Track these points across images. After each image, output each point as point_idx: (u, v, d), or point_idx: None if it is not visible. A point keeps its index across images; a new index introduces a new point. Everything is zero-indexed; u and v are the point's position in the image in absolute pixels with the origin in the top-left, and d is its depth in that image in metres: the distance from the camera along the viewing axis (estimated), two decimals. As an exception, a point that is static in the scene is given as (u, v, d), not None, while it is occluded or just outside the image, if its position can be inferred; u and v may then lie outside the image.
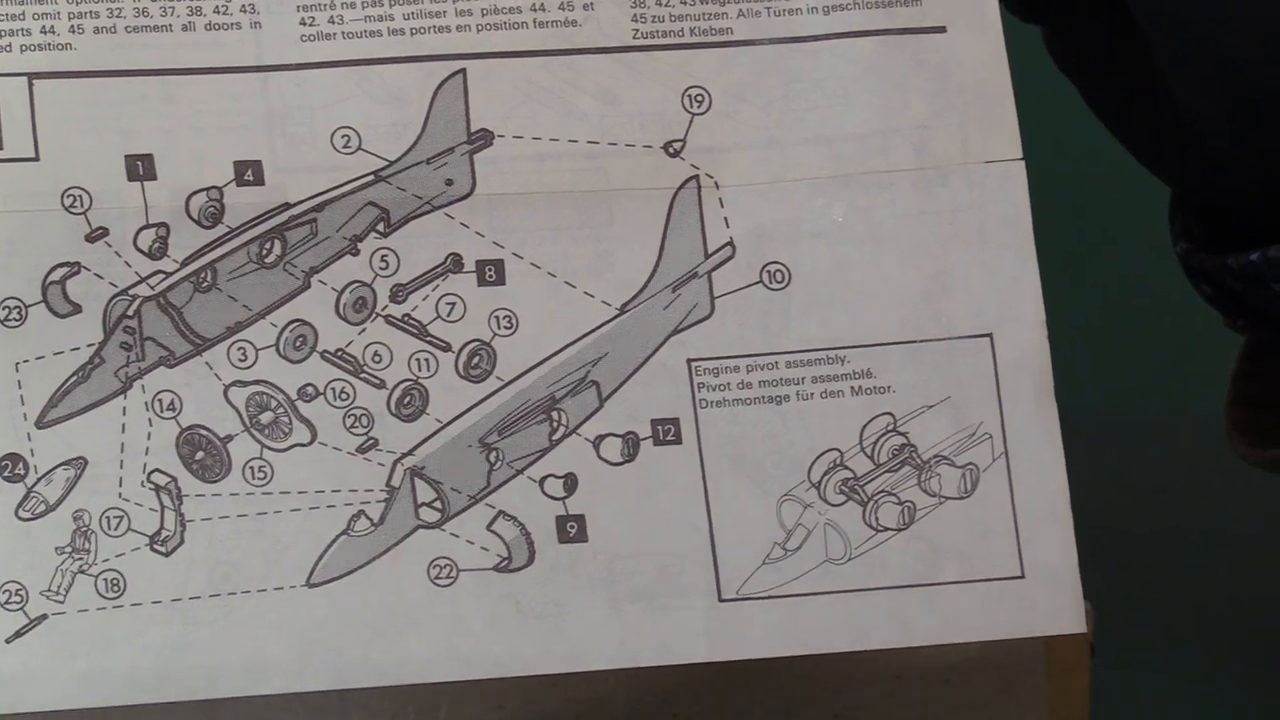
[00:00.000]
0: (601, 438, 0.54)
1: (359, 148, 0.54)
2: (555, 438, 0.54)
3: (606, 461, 0.54)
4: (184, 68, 0.53)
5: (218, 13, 0.54)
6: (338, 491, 0.53)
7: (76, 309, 0.53)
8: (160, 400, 0.53)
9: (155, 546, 0.53)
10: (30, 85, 0.53)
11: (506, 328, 0.54)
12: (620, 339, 0.54)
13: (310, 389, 0.53)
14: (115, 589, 0.53)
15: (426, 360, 0.54)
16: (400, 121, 0.54)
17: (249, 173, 0.53)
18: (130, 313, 0.53)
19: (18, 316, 0.53)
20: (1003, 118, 0.54)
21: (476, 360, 0.54)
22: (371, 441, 0.54)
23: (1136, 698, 1.14)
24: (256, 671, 0.53)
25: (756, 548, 0.54)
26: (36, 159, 0.53)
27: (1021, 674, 0.69)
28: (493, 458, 0.54)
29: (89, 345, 0.53)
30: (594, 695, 0.64)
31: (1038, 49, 0.59)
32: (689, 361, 0.54)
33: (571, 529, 0.54)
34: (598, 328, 0.54)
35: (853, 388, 0.54)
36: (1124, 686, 1.12)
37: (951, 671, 0.68)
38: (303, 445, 0.54)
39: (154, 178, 0.53)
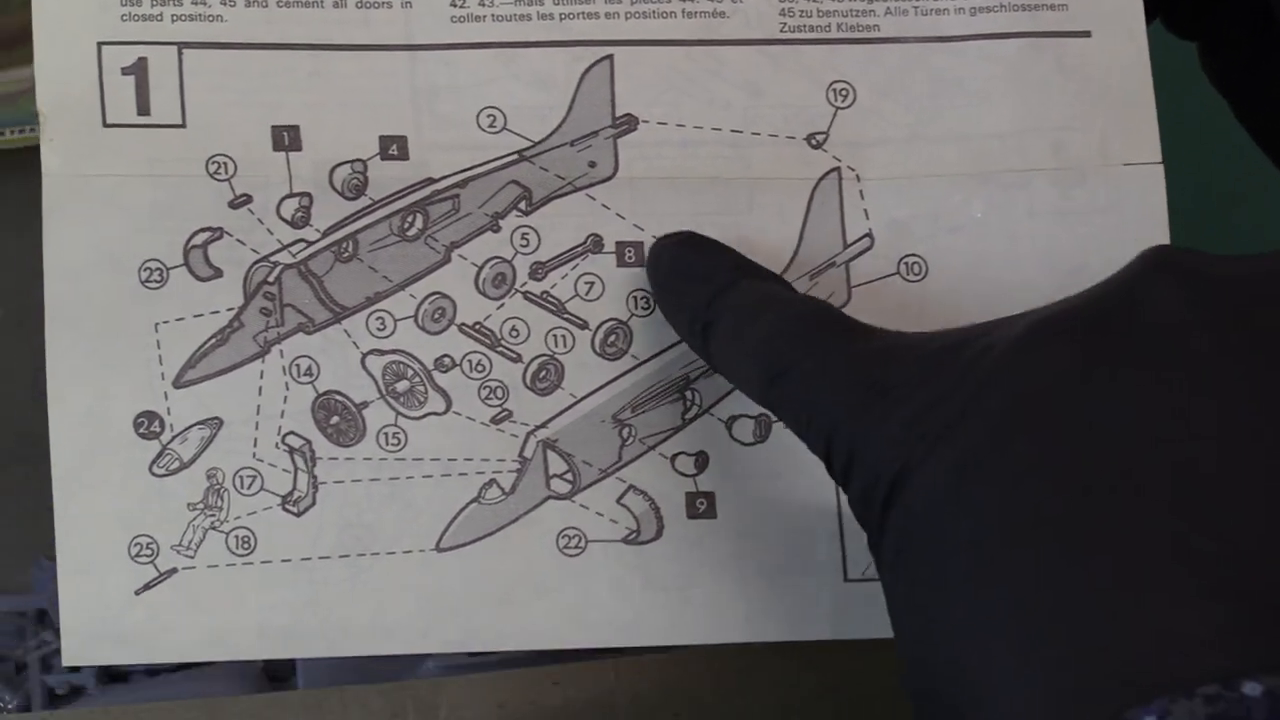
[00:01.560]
0: (734, 418, 0.55)
1: (504, 127, 0.55)
2: (688, 417, 0.55)
3: (738, 441, 0.55)
4: (333, 43, 0.55)
5: None
6: (470, 460, 0.54)
7: (218, 273, 0.54)
8: (298, 365, 0.54)
9: (287, 506, 0.54)
10: (180, 54, 0.54)
11: (644, 308, 0.55)
12: None
13: (447, 360, 0.54)
14: (245, 546, 0.54)
15: (563, 336, 0.55)
16: (546, 104, 0.55)
17: (394, 147, 0.55)
18: (271, 279, 0.54)
19: (159, 278, 0.54)
20: (1143, 122, 0.55)
21: (613, 339, 0.55)
22: (506, 413, 0.55)
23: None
24: (382, 632, 0.54)
25: None
26: (183, 126, 0.54)
27: None
28: (625, 433, 0.55)
29: (229, 309, 0.54)
30: (594, 694, 0.65)
31: (1182, 57, 0.60)
32: None
33: (701, 505, 0.54)
34: None
35: None
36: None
37: None
38: (437, 414, 0.54)
39: (299, 148, 0.54)
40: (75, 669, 0.74)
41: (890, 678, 0.61)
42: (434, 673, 0.69)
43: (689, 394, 0.55)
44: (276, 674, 0.74)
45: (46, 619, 0.74)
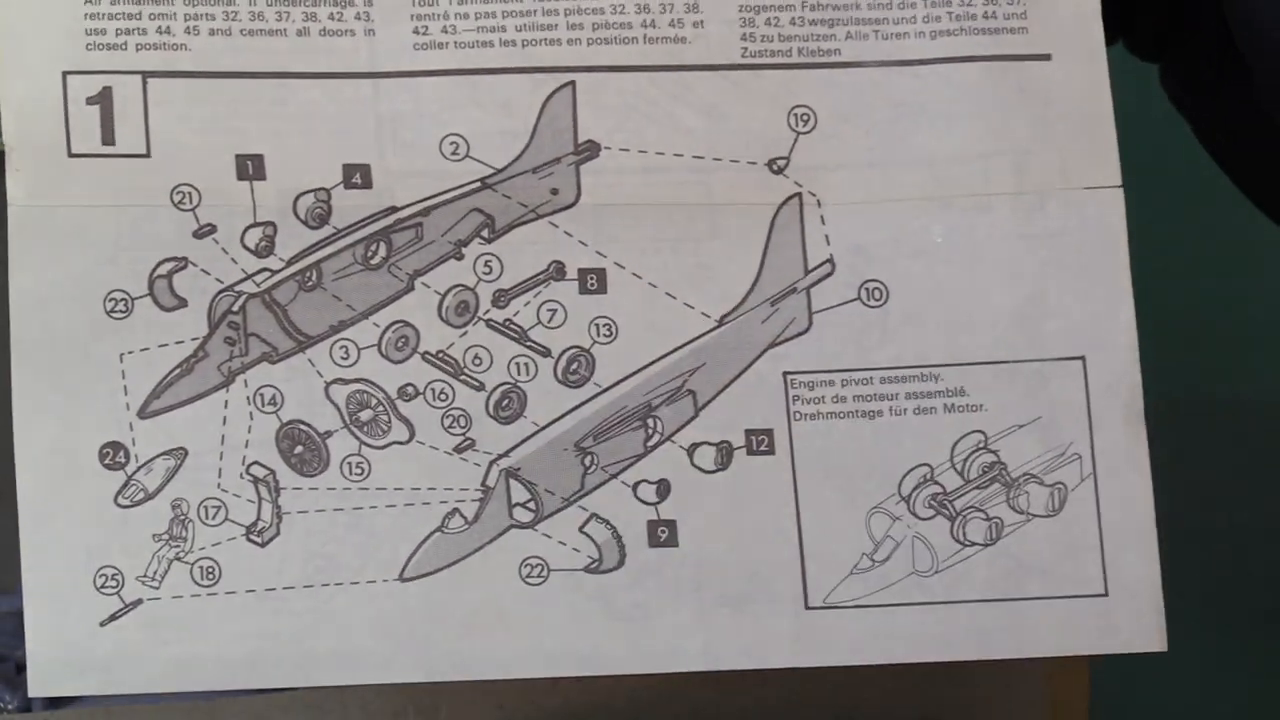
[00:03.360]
0: (696, 446, 0.55)
1: (467, 155, 0.55)
2: (650, 444, 0.55)
3: (700, 469, 0.55)
4: (297, 71, 0.55)
5: (332, 19, 0.55)
6: (433, 489, 0.54)
7: (182, 303, 0.54)
8: (262, 395, 0.54)
9: (251, 537, 0.54)
10: (144, 83, 0.54)
11: (606, 335, 0.54)
12: (718, 350, 0.54)
13: (410, 389, 0.54)
14: (210, 577, 0.54)
15: (526, 364, 0.55)
16: (509, 130, 0.55)
17: (357, 176, 0.54)
18: (235, 308, 0.54)
19: (124, 309, 0.54)
20: (1103, 145, 0.55)
21: (575, 366, 0.54)
22: (469, 442, 0.54)
23: (1137, 698, 1.14)
24: (346, 662, 0.54)
25: (845, 558, 0.54)
26: (148, 155, 0.54)
27: (1021, 674, 0.70)
28: (587, 461, 0.54)
29: (193, 339, 0.54)
30: (594, 696, 0.65)
31: (1140, 78, 0.60)
32: (785, 374, 0.55)
33: (663, 534, 0.54)
34: (696, 338, 0.55)
35: (945, 405, 0.55)
36: (1124, 686, 1.12)
37: (952, 671, 0.68)
38: (401, 443, 0.54)
39: (263, 177, 0.54)
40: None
41: (890, 679, 0.61)
42: (434, 673, 0.69)
43: (651, 421, 0.55)
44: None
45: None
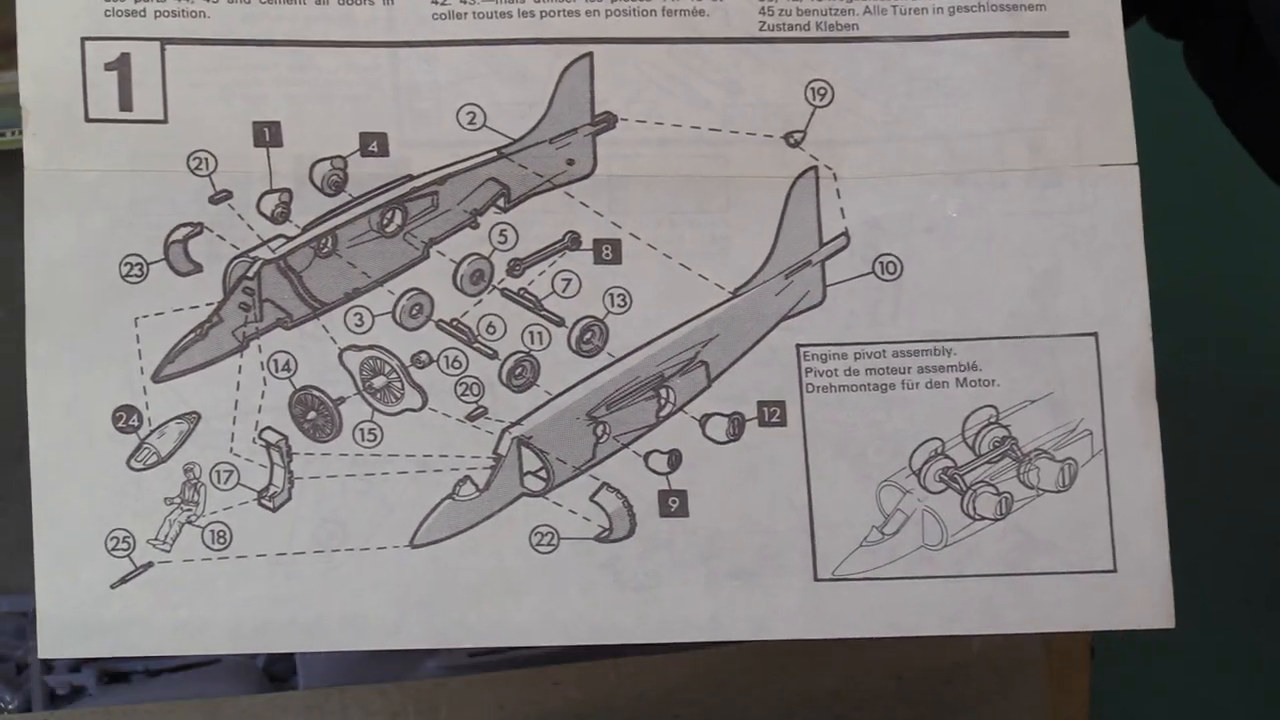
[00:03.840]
0: (708, 417, 0.55)
1: (484, 125, 0.55)
2: (662, 415, 0.55)
3: (712, 440, 0.55)
4: (315, 39, 0.55)
5: None
6: (445, 456, 0.54)
7: (197, 268, 0.54)
8: (276, 360, 0.54)
9: (263, 502, 0.54)
10: (162, 50, 0.54)
11: (620, 306, 0.55)
12: (731, 322, 0.55)
13: (424, 356, 0.54)
14: (221, 541, 0.54)
15: (540, 334, 0.55)
16: (525, 101, 0.55)
17: (374, 144, 0.55)
18: (250, 274, 0.54)
19: (139, 273, 0.54)
20: (1119, 123, 0.55)
21: (589, 336, 0.55)
22: (481, 410, 0.55)
23: (1137, 698, 1.14)
24: (355, 627, 0.54)
25: (854, 531, 0.55)
26: (165, 121, 0.54)
27: (1021, 674, 0.70)
28: (599, 431, 0.55)
29: (208, 304, 0.54)
30: (594, 695, 0.65)
31: (1160, 57, 0.60)
32: (798, 347, 0.55)
33: (673, 504, 0.54)
34: (710, 310, 0.55)
35: (957, 379, 0.55)
36: (1124, 686, 1.12)
37: (951, 671, 0.68)
38: (413, 410, 0.55)
39: (280, 144, 0.54)
40: (76, 669, 0.75)
41: (890, 680, 0.61)
42: (434, 673, 0.69)
43: (664, 392, 0.55)
44: (277, 674, 0.74)
45: (48, 619, 0.75)
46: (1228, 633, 1.15)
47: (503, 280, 0.55)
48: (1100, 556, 0.54)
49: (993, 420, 0.55)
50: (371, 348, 0.54)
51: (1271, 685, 1.17)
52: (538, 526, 0.54)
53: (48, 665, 0.75)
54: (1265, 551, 1.15)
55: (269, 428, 0.54)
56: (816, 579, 0.54)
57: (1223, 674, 1.17)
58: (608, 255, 0.55)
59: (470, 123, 0.55)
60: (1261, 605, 1.16)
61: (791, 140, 0.55)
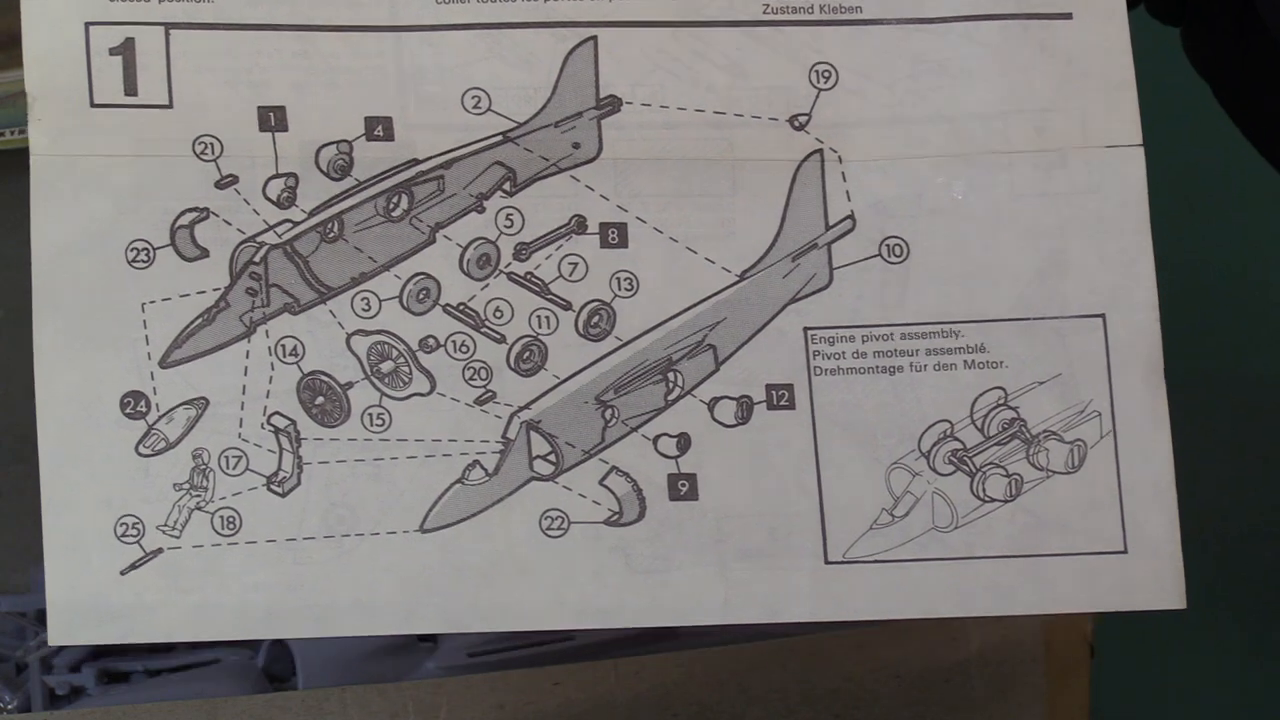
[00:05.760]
0: (716, 400, 0.55)
1: (489, 109, 0.55)
2: (670, 398, 0.55)
3: (720, 423, 0.55)
4: (319, 24, 0.55)
5: None
6: (454, 441, 0.54)
7: (204, 253, 0.54)
8: (283, 346, 0.54)
9: (272, 487, 0.54)
10: (167, 35, 0.54)
11: (627, 289, 0.55)
12: (739, 305, 0.55)
13: (431, 340, 0.55)
14: (230, 526, 0.54)
15: (547, 318, 0.55)
16: (530, 85, 0.55)
17: (379, 128, 0.55)
18: (257, 259, 0.54)
19: (145, 258, 0.54)
20: (1124, 104, 0.55)
21: (596, 320, 0.55)
22: (489, 394, 0.55)
23: (1137, 698, 1.15)
24: (365, 612, 0.54)
25: (864, 513, 0.55)
26: (170, 106, 0.54)
27: (1020, 674, 0.70)
28: (608, 415, 0.55)
29: (215, 289, 0.54)
30: (594, 695, 0.65)
31: (1161, 39, 0.60)
32: (805, 330, 0.55)
33: (683, 487, 0.55)
34: (717, 293, 0.55)
35: (965, 361, 0.55)
36: (1124, 686, 1.13)
37: (951, 671, 0.68)
38: (421, 395, 0.55)
39: (285, 129, 0.54)
40: (75, 669, 0.75)
41: (890, 680, 0.61)
42: (434, 673, 0.70)
43: (672, 376, 0.55)
44: (277, 674, 0.74)
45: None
46: (1228, 633, 1.15)
47: (509, 264, 0.55)
48: (1111, 537, 0.54)
49: (1001, 402, 0.55)
50: (379, 332, 0.54)
51: (1272, 685, 1.17)
52: (547, 510, 0.54)
53: (47, 665, 0.75)
54: (1268, 549, 1.15)
55: (277, 413, 0.54)
56: (827, 561, 0.54)
57: (1222, 674, 1.17)
58: (614, 239, 0.55)
59: (475, 106, 0.55)
60: (1262, 604, 1.16)
61: (796, 123, 0.55)
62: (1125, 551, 0.54)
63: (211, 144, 0.54)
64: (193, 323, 0.54)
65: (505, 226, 0.54)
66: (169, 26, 0.54)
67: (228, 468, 0.54)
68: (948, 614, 0.54)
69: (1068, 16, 0.55)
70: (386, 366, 0.54)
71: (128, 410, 0.53)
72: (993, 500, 0.54)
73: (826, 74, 0.55)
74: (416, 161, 0.54)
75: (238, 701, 0.63)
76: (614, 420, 0.54)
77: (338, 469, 0.54)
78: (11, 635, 0.75)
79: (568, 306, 0.54)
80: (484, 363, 0.54)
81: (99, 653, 0.75)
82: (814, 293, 0.55)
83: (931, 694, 0.68)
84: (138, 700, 0.70)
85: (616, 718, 0.64)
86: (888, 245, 0.55)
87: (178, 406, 0.54)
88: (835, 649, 0.62)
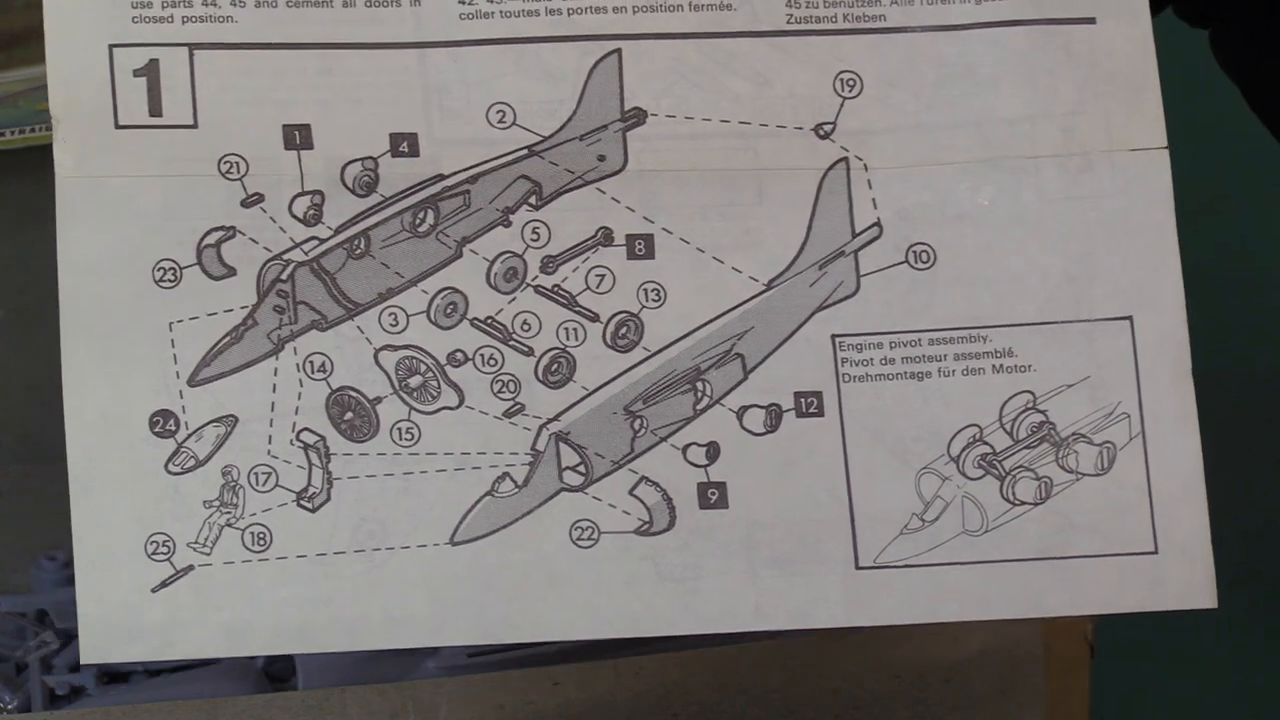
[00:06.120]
0: (745, 409, 0.55)
1: (514, 123, 0.55)
2: (699, 407, 0.55)
3: (749, 432, 0.55)
4: (343, 42, 0.55)
5: None
6: (483, 454, 0.54)
7: (231, 272, 0.54)
8: (311, 362, 0.54)
9: (302, 503, 0.54)
10: (191, 55, 0.55)
11: (654, 300, 0.55)
12: (766, 314, 0.55)
13: (459, 354, 0.55)
14: (261, 543, 0.54)
15: (575, 329, 0.55)
16: (555, 99, 0.55)
17: (404, 144, 0.55)
18: (284, 277, 0.54)
19: (172, 278, 0.54)
20: (1149, 107, 0.55)
21: (624, 331, 0.55)
22: (518, 406, 0.55)
23: (1137, 698, 1.14)
24: (398, 626, 0.54)
25: (894, 518, 0.55)
26: (195, 126, 0.54)
27: (1021, 674, 0.70)
28: (637, 425, 0.55)
29: (242, 307, 0.54)
30: (594, 694, 0.65)
31: (1186, 42, 0.60)
32: (833, 337, 0.55)
33: (712, 495, 0.55)
34: (744, 302, 0.55)
35: (994, 366, 0.55)
36: (1125, 686, 1.12)
37: (951, 671, 0.68)
38: (450, 408, 0.55)
39: (310, 147, 0.55)
40: (75, 669, 0.75)
41: (890, 680, 0.61)
42: (434, 673, 0.69)
43: (700, 385, 0.55)
44: (276, 674, 0.74)
45: (47, 619, 0.74)
46: (1227, 632, 1.15)
47: (536, 277, 0.55)
48: (1141, 538, 0.55)
49: (1030, 405, 0.55)
50: (407, 347, 0.54)
51: (1271, 684, 1.17)
52: (578, 521, 0.54)
53: (47, 665, 0.75)
54: (1268, 553, 1.15)
55: (306, 429, 0.54)
56: (858, 567, 0.54)
57: (1222, 674, 1.17)
58: (640, 250, 0.55)
59: (500, 121, 0.55)
60: (1264, 604, 1.16)
61: (821, 132, 0.55)
62: (1155, 552, 0.54)
63: (237, 163, 0.54)
64: (221, 341, 0.54)
65: (532, 240, 0.55)
66: (193, 47, 0.54)
67: (257, 484, 0.54)
68: (978, 617, 0.54)
69: (1091, 21, 0.55)
70: (415, 381, 0.54)
71: (157, 429, 0.53)
72: (1023, 503, 0.54)
73: (851, 82, 0.55)
74: (442, 177, 0.54)
75: (238, 701, 0.63)
76: (643, 430, 0.54)
77: (367, 484, 0.54)
78: (11, 635, 0.75)
79: (595, 318, 0.54)
80: (512, 375, 0.54)
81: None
82: (841, 300, 0.55)
83: (931, 694, 0.68)
84: (138, 700, 0.70)
85: (616, 718, 0.64)
86: (914, 251, 0.55)
87: (207, 424, 0.54)
88: (835, 649, 0.62)
